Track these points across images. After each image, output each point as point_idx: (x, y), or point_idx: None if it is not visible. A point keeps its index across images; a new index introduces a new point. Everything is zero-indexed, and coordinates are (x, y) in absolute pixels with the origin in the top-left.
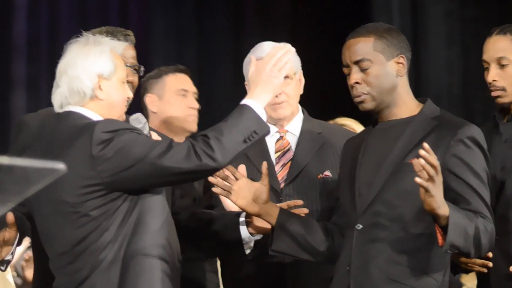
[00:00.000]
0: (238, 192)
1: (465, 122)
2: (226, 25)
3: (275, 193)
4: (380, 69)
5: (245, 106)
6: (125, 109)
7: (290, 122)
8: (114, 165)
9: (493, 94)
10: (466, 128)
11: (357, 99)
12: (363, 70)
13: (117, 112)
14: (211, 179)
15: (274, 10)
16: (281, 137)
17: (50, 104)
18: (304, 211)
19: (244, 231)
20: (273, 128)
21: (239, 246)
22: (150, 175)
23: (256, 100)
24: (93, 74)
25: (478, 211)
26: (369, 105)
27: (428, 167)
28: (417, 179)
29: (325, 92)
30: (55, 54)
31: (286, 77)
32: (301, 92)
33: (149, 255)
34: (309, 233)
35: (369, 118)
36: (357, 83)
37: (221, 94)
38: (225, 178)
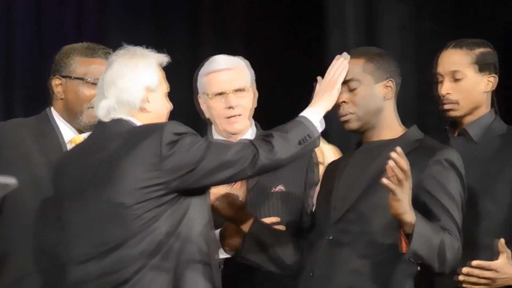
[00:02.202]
0: (216, 195)
1: (445, 146)
2: (183, 37)
3: None
4: (367, 90)
5: (300, 116)
6: (165, 120)
7: (244, 136)
8: (182, 163)
9: (446, 107)
10: (445, 151)
11: (342, 118)
12: (351, 90)
13: None
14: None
15: (230, 23)
16: None
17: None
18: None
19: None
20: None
21: None
22: (214, 171)
23: (314, 107)
24: (141, 87)
25: (446, 228)
26: (354, 124)
27: (397, 170)
28: (384, 180)
29: (280, 106)
30: (10, 65)
31: (242, 90)
32: (255, 105)
33: (203, 262)
34: (279, 245)
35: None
36: (344, 102)
37: (177, 105)
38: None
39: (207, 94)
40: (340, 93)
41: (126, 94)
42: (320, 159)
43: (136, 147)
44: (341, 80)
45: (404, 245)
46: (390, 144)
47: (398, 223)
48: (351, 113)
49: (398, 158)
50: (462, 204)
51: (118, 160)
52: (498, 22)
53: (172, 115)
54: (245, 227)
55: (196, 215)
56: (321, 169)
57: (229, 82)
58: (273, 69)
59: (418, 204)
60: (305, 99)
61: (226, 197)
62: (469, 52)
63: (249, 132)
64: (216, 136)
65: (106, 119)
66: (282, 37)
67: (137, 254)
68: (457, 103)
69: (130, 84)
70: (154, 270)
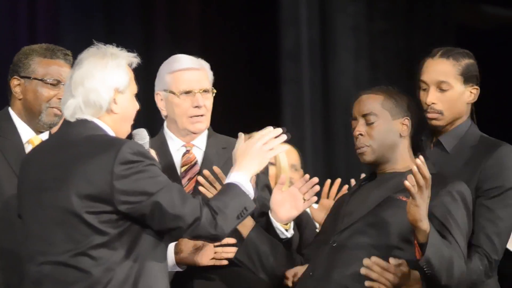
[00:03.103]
0: None
1: (456, 179)
2: (137, 37)
3: None
4: (384, 125)
5: (233, 184)
6: (132, 122)
7: (197, 137)
8: (130, 188)
9: (429, 116)
10: (457, 183)
11: (358, 150)
12: (368, 124)
13: (127, 126)
14: (199, 179)
15: (184, 23)
16: (188, 151)
17: None
18: (234, 251)
19: (171, 259)
20: (179, 142)
21: None
22: (155, 216)
23: (244, 173)
24: (110, 88)
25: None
26: (369, 157)
27: (419, 176)
28: (406, 182)
29: (234, 107)
30: None
31: (207, 91)
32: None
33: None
34: (274, 255)
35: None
36: (360, 134)
37: None
38: (213, 182)
39: (172, 92)
40: (358, 126)
41: (93, 94)
42: (271, 160)
43: (92, 159)
44: (274, 153)
45: (418, 252)
46: (404, 174)
47: (403, 238)
48: (367, 146)
49: (421, 166)
50: (467, 234)
51: (74, 167)
52: (451, 23)
53: None
54: (245, 230)
55: (150, 245)
56: (273, 171)
57: (197, 81)
58: (228, 69)
59: None
60: (260, 99)
61: None
62: (455, 64)
63: (202, 133)
64: (170, 134)
65: (72, 119)
66: (236, 37)
67: (90, 268)
68: (441, 113)
69: (98, 85)
70: None
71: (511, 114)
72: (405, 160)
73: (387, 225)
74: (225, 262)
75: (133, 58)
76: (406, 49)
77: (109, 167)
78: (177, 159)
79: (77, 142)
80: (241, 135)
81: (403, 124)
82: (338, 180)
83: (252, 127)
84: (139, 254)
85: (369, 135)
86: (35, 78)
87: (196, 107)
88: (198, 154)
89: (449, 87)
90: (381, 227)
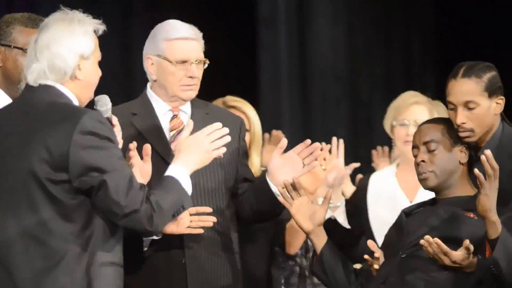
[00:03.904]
0: (299, 207)
1: None
2: (114, 7)
3: None
4: (445, 152)
5: (174, 180)
6: (95, 88)
7: (184, 102)
8: (85, 160)
9: (461, 134)
10: None
11: (420, 176)
12: (430, 151)
13: (90, 92)
14: (280, 189)
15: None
16: (175, 115)
17: None
18: (211, 220)
19: None
20: (166, 106)
21: (139, 242)
22: (99, 194)
23: (185, 167)
24: (75, 54)
25: None
26: (432, 182)
27: (487, 165)
28: (476, 170)
29: (211, 73)
30: None
31: (201, 61)
32: None
33: (115, 263)
34: (346, 269)
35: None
36: (423, 161)
37: (109, 72)
38: (290, 191)
39: (167, 59)
40: (420, 153)
41: (59, 60)
42: (247, 126)
43: (53, 127)
44: (217, 154)
45: (487, 251)
46: (465, 198)
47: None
48: (429, 171)
49: (490, 157)
50: None
51: (36, 134)
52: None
53: (105, 82)
54: (319, 242)
55: (106, 217)
56: (247, 137)
57: (193, 51)
58: (206, 36)
59: None
60: (237, 65)
61: (308, 211)
62: (478, 81)
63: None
64: (156, 98)
65: (35, 84)
66: (214, 4)
67: (53, 240)
68: (472, 130)
69: (64, 51)
70: (72, 266)
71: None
72: (464, 186)
73: (455, 239)
74: (201, 231)
75: (99, 25)
76: (383, 15)
77: (69, 136)
78: (165, 123)
79: (39, 108)
80: (190, 123)
81: (461, 151)
82: (310, 143)
83: (229, 92)
84: (95, 227)
85: (431, 161)
86: (15, 47)
87: (190, 77)
88: (184, 119)
89: (475, 105)
90: (449, 241)
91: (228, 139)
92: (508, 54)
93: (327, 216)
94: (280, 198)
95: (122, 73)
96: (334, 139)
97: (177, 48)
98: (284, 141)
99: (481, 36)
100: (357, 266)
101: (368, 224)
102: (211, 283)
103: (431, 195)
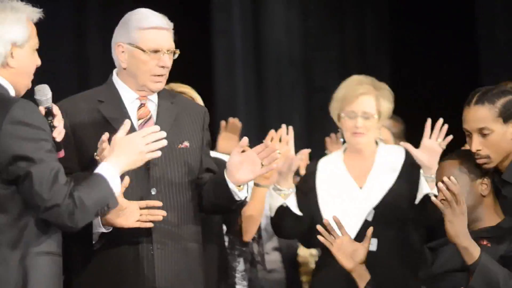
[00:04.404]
0: (340, 245)
1: None
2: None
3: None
4: (465, 188)
5: (102, 177)
6: (32, 77)
7: (150, 97)
8: (13, 149)
9: (479, 161)
10: None
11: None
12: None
13: (26, 80)
14: (319, 227)
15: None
16: (143, 104)
17: None
18: (161, 214)
19: (96, 220)
20: (133, 95)
21: (87, 233)
22: (24, 183)
23: (116, 167)
24: (7, 42)
25: None
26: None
27: (446, 192)
28: (433, 198)
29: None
30: None
31: (172, 52)
32: None
33: (52, 253)
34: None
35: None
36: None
37: (62, 65)
38: (331, 230)
39: (140, 48)
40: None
41: None
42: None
43: None
44: (152, 156)
45: (470, 277)
46: (490, 229)
47: None
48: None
49: (449, 183)
50: None
51: None
52: None
53: (60, 72)
54: (361, 283)
55: None
56: None
57: (166, 41)
58: None
59: None
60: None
61: (349, 249)
62: (492, 107)
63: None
64: (123, 86)
65: None
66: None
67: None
68: (488, 157)
69: None
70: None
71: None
72: (491, 217)
73: (465, 267)
74: (150, 225)
75: (35, 13)
76: None
77: None
78: (132, 111)
79: None
80: (127, 123)
81: (482, 184)
82: (271, 132)
83: (183, 79)
84: (30, 217)
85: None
86: None
87: (162, 67)
88: (151, 108)
89: (489, 131)
90: (460, 270)
91: (164, 143)
92: (461, 32)
93: (279, 203)
94: (321, 238)
95: (76, 59)
96: (283, 126)
97: (150, 37)
98: (245, 140)
99: (435, 18)
100: (313, 251)
101: (318, 209)
102: (178, 274)
103: (381, 181)
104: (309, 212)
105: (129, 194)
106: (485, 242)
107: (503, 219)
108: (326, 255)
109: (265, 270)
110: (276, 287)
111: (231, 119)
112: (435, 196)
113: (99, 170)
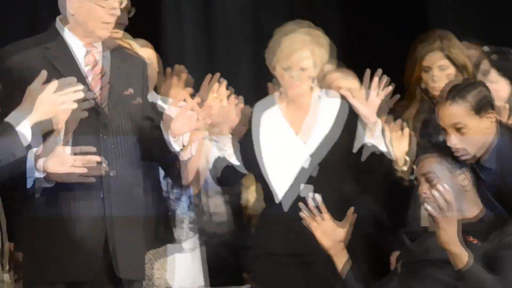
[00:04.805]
0: (321, 224)
1: None
2: None
3: (96, 107)
4: (445, 182)
5: (10, 126)
6: None
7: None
8: None
9: (457, 155)
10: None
11: None
12: (429, 182)
13: None
14: (301, 204)
15: None
16: (89, 51)
17: None
18: (95, 159)
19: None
20: (79, 42)
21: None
22: None
23: (26, 115)
24: None
25: None
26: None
27: (439, 199)
28: (426, 206)
29: None
30: None
31: (121, 2)
32: None
33: None
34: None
35: None
36: (424, 193)
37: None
38: (312, 211)
39: None
40: (421, 185)
41: None
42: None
43: None
44: (65, 107)
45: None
46: (471, 223)
47: None
48: (432, 203)
49: (442, 190)
50: None
51: None
52: None
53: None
54: (339, 262)
55: None
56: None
57: None
58: None
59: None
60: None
61: (328, 229)
62: (463, 102)
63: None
64: (69, 33)
65: None
66: None
67: None
68: (465, 150)
69: None
70: None
71: None
72: (472, 209)
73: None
74: (84, 170)
75: None
76: None
77: None
78: (79, 57)
79: None
80: (43, 74)
81: (462, 175)
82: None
83: (131, 27)
84: None
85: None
86: None
87: (112, 14)
88: (97, 55)
89: (464, 126)
90: (443, 262)
91: (80, 95)
92: None
93: (216, 155)
94: (302, 215)
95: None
96: (217, 75)
97: None
98: (188, 90)
99: None
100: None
101: (255, 156)
102: (125, 219)
103: (318, 128)
104: (246, 160)
105: (79, 139)
106: (471, 239)
107: (482, 210)
108: (269, 206)
109: (207, 213)
110: (219, 230)
111: (177, 67)
112: (382, 154)
113: (8, 118)
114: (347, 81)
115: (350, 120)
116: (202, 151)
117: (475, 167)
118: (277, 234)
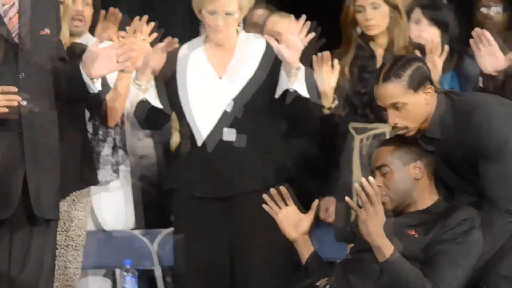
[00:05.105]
0: (285, 215)
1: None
2: None
3: (10, 44)
4: (398, 174)
5: None
6: None
7: None
8: None
9: (398, 133)
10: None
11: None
12: (383, 175)
13: None
14: (265, 197)
15: None
16: None
17: None
18: (16, 99)
19: None
20: None
21: None
22: None
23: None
24: None
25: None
26: (389, 206)
27: (362, 193)
28: (346, 198)
29: None
30: None
31: None
32: None
33: None
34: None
35: None
36: (379, 186)
37: None
38: (278, 201)
39: None
40: (376, 178)
41: None
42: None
43: None
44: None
45: None
46: (422, 211)
47: None
48: (385, 195)
49: (365, 184)
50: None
51: None
52: None
53: None
54: (304, 252)
55: None
56: (61, 8)
57: None
58: None
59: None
60: None
61: (294, 220)
62: (400, 81)
63: None
64: None
65: None
66: None
67: None
68: (406, 127)
69: None
70: None
71: None
72: (425, 199)
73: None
74: (6, 110)
75: None
76: None
77: None
78: None
79: None
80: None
81: (415, 168)
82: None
83: None
84: None
85: (386, 185)
86: None
87: None
88: None
89: (402, 104)
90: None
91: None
92: None
93: (139, 98)
94: (266, 207)
95: None
96: (145, 17)
97: None
98: (121, 33)
99: None
100: None
101: (178, 99)
102: (41, 157)
103: (241, 72)
104: (171, 102)
105: None
106: (413, 232)
107: (436, 201)
108: (193, 149)
109: (135, 156)
110: (147, 172)
111: (111, 9)
112: (306, 99)
113: None
114: (282, 25)
115: (275, 65)
116: (127, 94)
117: (421, 140)
118: (200, 177)
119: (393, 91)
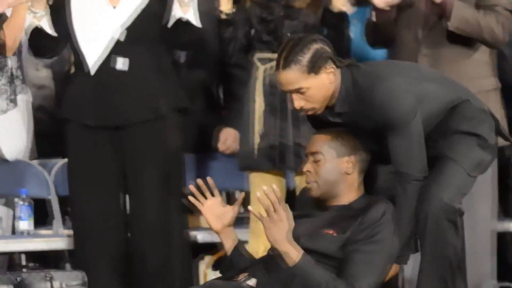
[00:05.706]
0: (210, 207)
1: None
2: None
3: None
4: (329, 163)
5: None
6: None
7: None
8: None
9: (305, 114)
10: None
11: (307, 186)
12: (315, 162)
13: None
14: (191, 187)
15: None
16: None
17: None
18: None
19: None
20: None
21: None
22: None
23: None
24: None
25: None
26: (315, 192)
27: (264, 200)
28: (249, 207)
29: None
30: None
31: None
32: None
33: None
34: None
35: None
36: (308, 171)
37: None
38: (203, 192)
39: None
40: (307, 163)
41: None
42: None
43: None
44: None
45: None
46: (344, 206)
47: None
48: (313, 181)
49: (267, 191)
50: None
51: None
52: None
53: None
54: (228, 244)
55: None
56: None
57: None
58: None
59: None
60: None
61: (219, 211)
62: (299, 67)
63: None
64: None
65: None
66: None
67: None
68: (313, 108)
69: None
70: None
71: None
72: (349, 194)
73: (311, 251)
74: None
75: None
76: None
77: None
78: None
79: None
80: None
81: (348, 162)
82: None
83: None
84: None
85: (316, 172)
86: None
87: None
88: None
89: (305, 89)
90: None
91: None
92: None
93: (34, 25)
94: (191, 198)
95: None
96: None
97: None
98: None
99: None
100: None
101: (72, 28)
102: None
103: (134, 1)
104: (61, 29)
105: None
106: (330, 232)
107: (360, 196)
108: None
109: (32, 86)
110: (45, 103)
111: None
112: (196, 27)
113: None
114: None
115: None
116: (24, 22)
117: (329, 114)
118: (92, 106)
119: (294, 77)
